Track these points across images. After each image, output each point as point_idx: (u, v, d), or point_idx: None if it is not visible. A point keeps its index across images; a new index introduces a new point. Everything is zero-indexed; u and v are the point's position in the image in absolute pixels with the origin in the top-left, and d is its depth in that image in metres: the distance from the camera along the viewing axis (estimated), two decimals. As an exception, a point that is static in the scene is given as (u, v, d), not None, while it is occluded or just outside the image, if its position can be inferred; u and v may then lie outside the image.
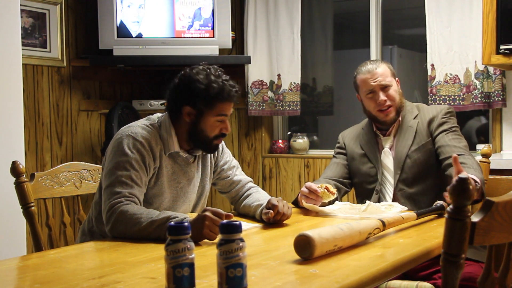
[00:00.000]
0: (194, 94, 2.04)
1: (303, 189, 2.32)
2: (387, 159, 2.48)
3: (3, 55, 2.91)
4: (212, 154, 2.26)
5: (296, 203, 2.43)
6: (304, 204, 2.29)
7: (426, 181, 2.42)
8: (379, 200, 2.43)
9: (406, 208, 2.24)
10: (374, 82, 2.45)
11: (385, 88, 2.45)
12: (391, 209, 2.16)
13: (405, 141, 2.47)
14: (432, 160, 2.42)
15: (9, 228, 2.89)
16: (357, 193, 2.59)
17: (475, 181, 2.08)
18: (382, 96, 2.44)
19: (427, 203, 2.32)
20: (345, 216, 2.14)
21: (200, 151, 2.18)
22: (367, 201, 2.22)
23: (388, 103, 2.44)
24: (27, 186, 2.11)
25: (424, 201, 2.37)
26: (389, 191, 2.44)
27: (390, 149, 2.50)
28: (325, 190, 2.25)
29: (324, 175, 2.59)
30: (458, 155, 2.14)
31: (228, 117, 2.11)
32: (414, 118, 2.50)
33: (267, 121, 4.58)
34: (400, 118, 2.50)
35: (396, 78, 2.52)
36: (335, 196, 2.30)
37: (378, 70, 2.46)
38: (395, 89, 2.47)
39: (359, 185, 2.56)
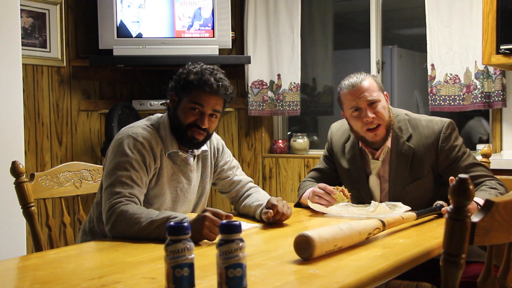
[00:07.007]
0: (177, 80, 2.10)
1: (316, 189, 2.24)
2: (375, 188, 2.30)
3: (3, 55, 2.91)
4: (212, 155, 2.26)
5: (299, 204, 2.40)
6: (310, 204, 2.25)
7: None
8: None
9: (410, 208, 2.15)
10: (360, 97, 2.19)
11: (372, 104, 2.19)
12: (395, 209, 2.14)
13: (399, 171, 2.24)
14: (432, 193, 2.23)
15: (9, 228, 2.89)
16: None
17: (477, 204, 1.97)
18: (369, 114, 2.18)
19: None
20: (353, 217, 2.09)
21: (187, 148, 2.14)
22: (372, 202, 2.19)
23: (376, 121, 2.20)
24: (27, 186, 2.10)
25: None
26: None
27: (377, 176, 2.30)
28: (341, 193, 2.20)
29: (314, 180, 2.46)
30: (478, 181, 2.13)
31: (205, 110, 2.04)
32: (408, 141, 2.25)
33: (267, 121, 4.57)
34: (390, 140, 2.26)
35: (385, 92, 2.28)
36: (349, 200, 2.24)
37: (363, 83, 2.20)
38: (383, 105, 2.22)
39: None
